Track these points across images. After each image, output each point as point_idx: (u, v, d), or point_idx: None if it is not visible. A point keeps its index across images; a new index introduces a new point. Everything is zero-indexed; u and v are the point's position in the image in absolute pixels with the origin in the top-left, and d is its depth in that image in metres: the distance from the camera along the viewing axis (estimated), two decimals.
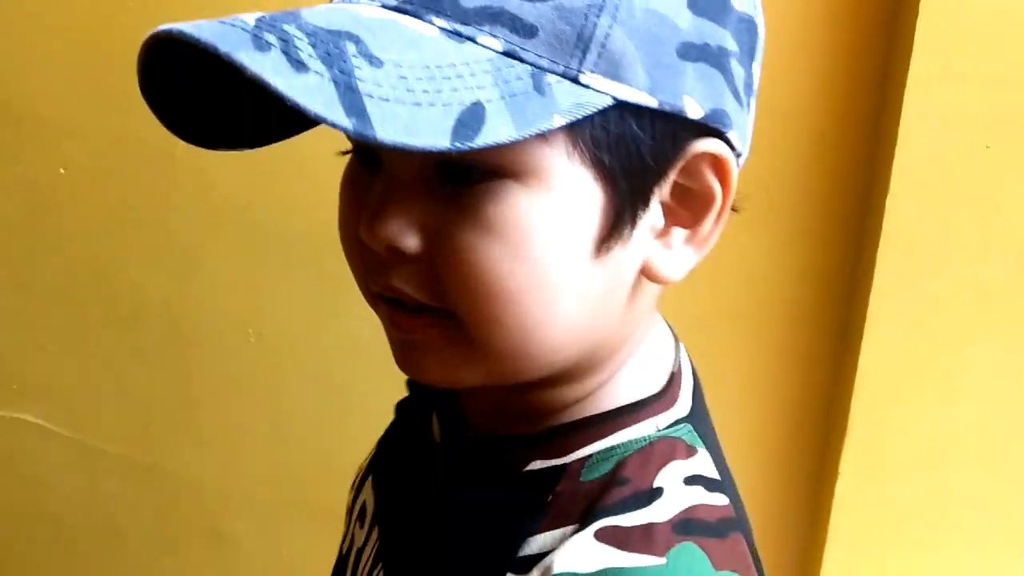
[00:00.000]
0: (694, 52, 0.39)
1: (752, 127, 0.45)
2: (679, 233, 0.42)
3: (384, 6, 0.37)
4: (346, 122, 0.32)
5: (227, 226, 1.13)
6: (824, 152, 1.02)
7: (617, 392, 0.46)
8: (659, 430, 0.44)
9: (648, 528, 0.40)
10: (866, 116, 1.00)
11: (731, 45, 0.41)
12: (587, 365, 0.45)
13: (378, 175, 0.42)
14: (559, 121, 0.36)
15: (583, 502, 0.42)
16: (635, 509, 0.41)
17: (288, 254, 1.14)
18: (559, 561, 0.40)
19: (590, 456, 0.43)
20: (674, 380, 0.47)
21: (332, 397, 1.19)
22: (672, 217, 0.42)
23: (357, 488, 0.59)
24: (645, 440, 0.44)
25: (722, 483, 0.45)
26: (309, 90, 0.32)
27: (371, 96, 0.33)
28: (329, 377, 1.17)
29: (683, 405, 0.46)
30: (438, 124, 0.34)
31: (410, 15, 0.37)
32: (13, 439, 1.34)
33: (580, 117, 0.37)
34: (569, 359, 0.43)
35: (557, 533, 0.42)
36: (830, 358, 1.11)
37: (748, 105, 0.44)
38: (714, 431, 0.48)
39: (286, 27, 0.34)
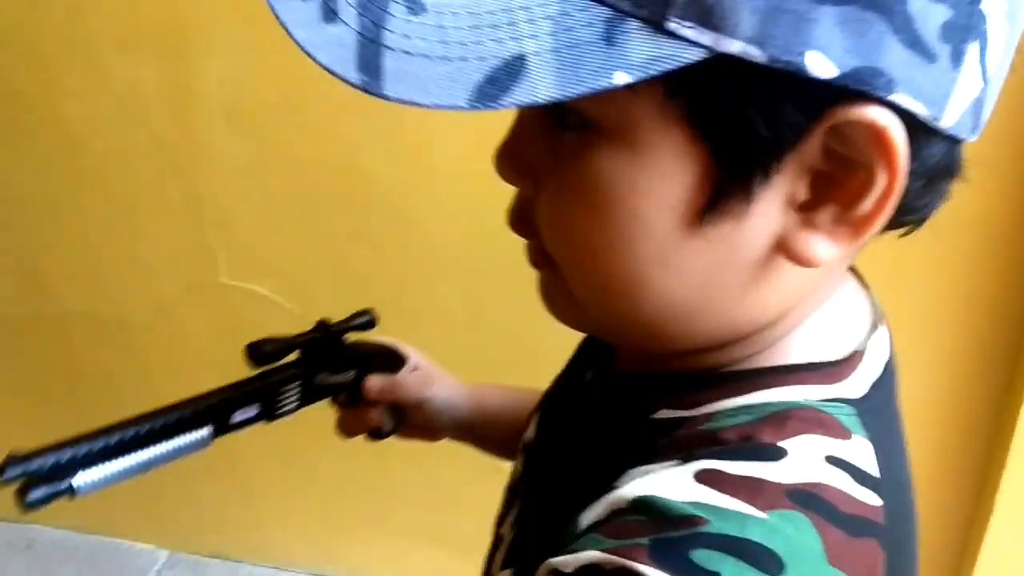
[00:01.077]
0: None
1: (962, 90, 0.34)
2: (829, 210, 0.35)
3: None
4: (354, 77, 0.31)
5: (456, 119, 1.21)
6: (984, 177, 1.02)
7: (771, 358, 0.41)
8: (808, 400, 0.39)
9: (756, 481, 0.35)
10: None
11: None
12: (721, 340, 0.41)
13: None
14: (623, 78, 0.31)
15: (692, 447, 0.38)
16: (746, 459, 0.36)
17: None
18: (643, 486, 0.36)
19: (719, 411, 0.39)
20: (852, 360, 0.41)
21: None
22: (822, 191, 0.35)
23: (527, 419, 0.59)
24: (786, 405, 0.39)
25: (879, 482, 0.38)
26: (327, 43, 0.32)
27: (392, 49, 0.32)
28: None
29: (854, 387, 0.40)
30: (461, 80, 0.31)
31: None
32: (244, 307, 1.51)
33: (657, 73, 0.31)
34: (688, 333, 0.40)
35: (652, 467, 0.38)
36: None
37: (952, 58, 0.32)
38: (897, 436, 0.43)
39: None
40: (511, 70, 0.31)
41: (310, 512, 1.73)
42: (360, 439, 0.75)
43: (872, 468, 0.38)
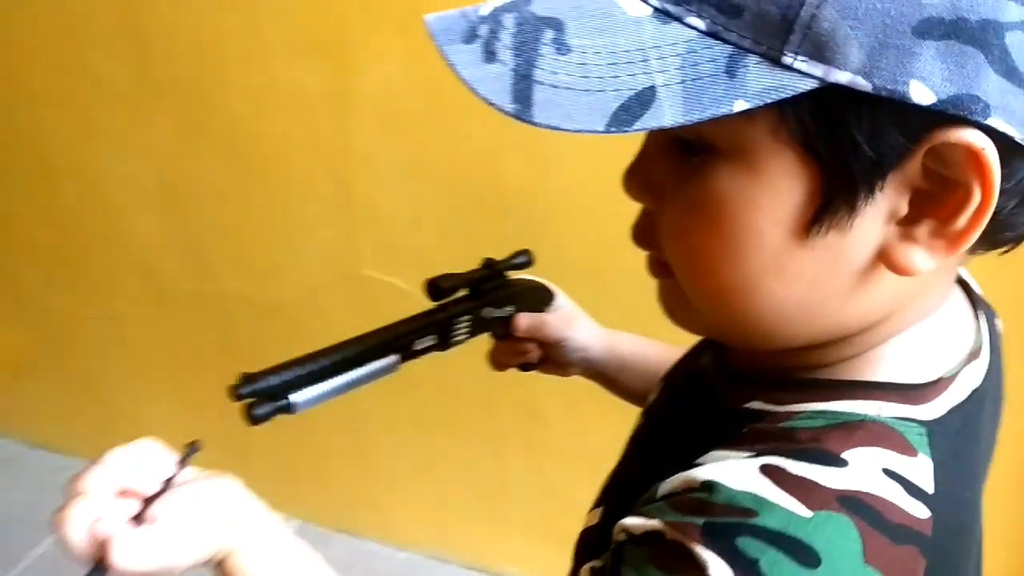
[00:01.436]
0: (940, 29, 0.34)
1: None
2: (928, 224, 0.38)
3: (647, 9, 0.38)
4: (509, 108, 0.37)
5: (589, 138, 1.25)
6: None
7: (862, 369, 0.44)
8: (880, 415, 0.42)
9: (810, 483, 0.38)
10: None
11: (1011, 15, 0.34)
12: (824, 340, 0.44)
13: None
14: (742, 106, 0.35)
15: (767, 441, 0.41)
16: (808, 462, 0.39)
17: None
18: (713, 471, 0.40)
19: (801, 412, 0.43)
20: (936, 385, 0.43)
21: None
22: (922, 207, 0.38)
23: (656, 385, 0.63)
24: (860, 417, 0.42)
25: (932, 497, 0.40)
26: (487, 79, 0.37)
27: (542, 83, 0.37)
28: None
29: (930, 410, 0.43)
30: (599, 109, 0.36)
31: None
32: (383, 298, 1.60)
33: (772, 101, 0.35)
34: (793, 335, 0.43)
35: (730, 453, 0.42)
36: None
37: None
38: (970, 459, 0.46)
39: (505, 16, 0.39)
40: (642, 99, 0.36)
41: (428, 497, 1.81)
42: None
43: (927, 484, 0.40)
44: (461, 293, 0.72)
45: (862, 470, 0.39)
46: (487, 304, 0.73)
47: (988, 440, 0.48)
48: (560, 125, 0.36)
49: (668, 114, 0.36)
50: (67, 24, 1.56)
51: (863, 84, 0.35)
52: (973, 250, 0.41)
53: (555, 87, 0.37)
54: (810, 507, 0.37)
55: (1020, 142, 0.36)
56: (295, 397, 0.60)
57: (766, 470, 0.39)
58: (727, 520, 0.38)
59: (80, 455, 2.10)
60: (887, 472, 0.40)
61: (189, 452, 0.54)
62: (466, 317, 0.72)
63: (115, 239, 1.77)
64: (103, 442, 0.53)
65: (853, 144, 0.36)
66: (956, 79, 0.34)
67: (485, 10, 0.40)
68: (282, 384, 0.60)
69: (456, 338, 0.71)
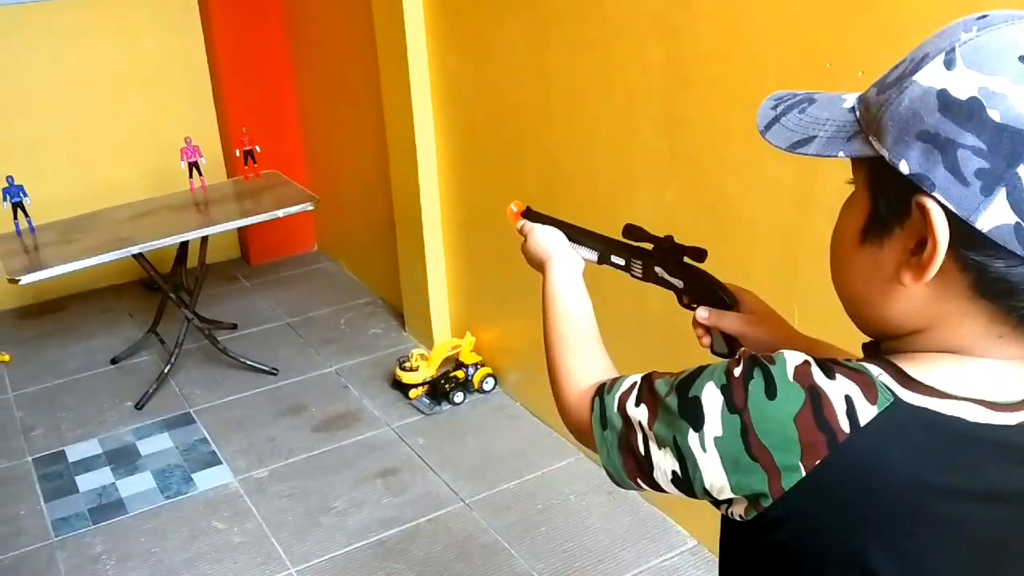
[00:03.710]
0: (926, 136, 0.58)
1: (994, 211, 0.56)
2: (918, 258, 0.61)
3: (849, 104, 0.67)
4: (761, 128, 0.68)
5: None
6: None
7: (896, 357, 0.65)
8: (877, 377, 0.63)
9: (808, 373, 0.63)
10: None
11: (968, 141, 0.56)
12: (881, 332, 0.68)
13: None
14: (841, 155, 0.63)
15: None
16: (818, 368, 0.63)
17: None
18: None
19: (855, 361, 0.65)
20: (926, 387, 0.62)
21: None
22: (919, 247, 0.61)
23: None
24: (866, 370, 0.63)
25: (858, 430, 0.61)
26: (764, 117, 0.69)
27: (780, 124, 0.68)
28: None
29: (907, 396, 0.62)
30: (788, 139, 0.66)
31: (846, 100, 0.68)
32: None
33: (858, 156, 0.63)
34: (862, 317, 0.69)
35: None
36: None
37: (982, 190, 0.56)
38: (938, 452, 0.62)
39: (800, 96, 0.69)
40: (806, 140, 0.66)
41: None
42: None
43: (863, 420, 0.61)
44: (645, 245, 1.01)
45: (835, 386, 0.62)
46: (659, 264, 1.00)
47: (999, 475, 0.64)
48: (770, 140, 0.68)
49: (809, 149, 0.65)
50: (625, 104, 2.07)
51: (885, 155, 0.61)
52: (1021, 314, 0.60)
53: (783, 127, 0.68)
54: (794, 378, 0.63)
55: (961, 216, 0.57)
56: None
57: (804, 360, 0.64)
58: (763, 355, 0.66)
59: (556, 424, 2.66)
60: (846, 397, 0.62)
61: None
62: (640, 260, 1.01)
63: None
64: None
65: (884, 190, 0.63)
66: (922, 165, 0.59)
67: (801, 95, 0.71)
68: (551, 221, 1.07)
69: (633, 272, 1.02)
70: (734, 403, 0.64)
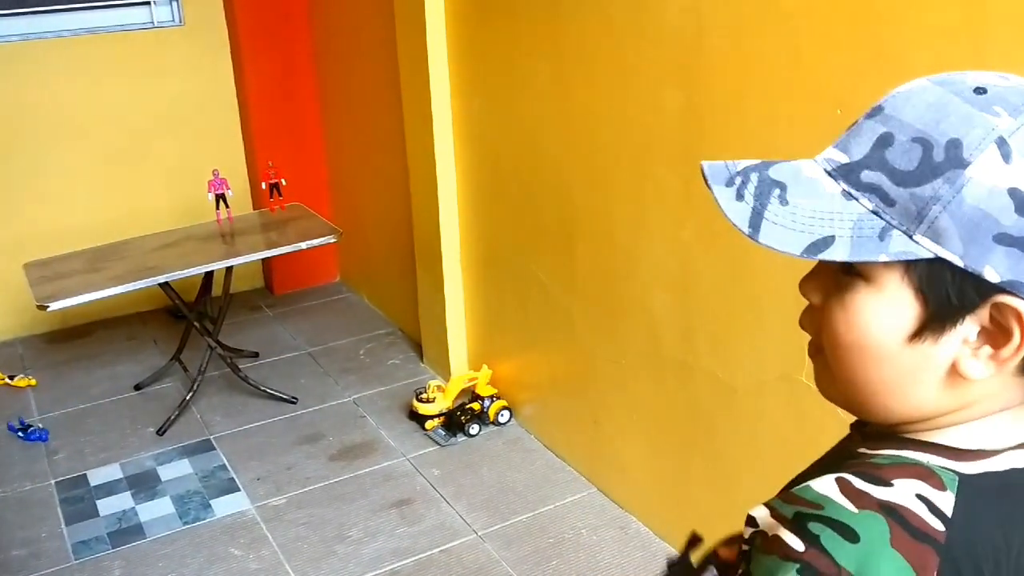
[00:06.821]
0: (1007, 240, 0.55)
1: None
2: (987, 349, 0.59)
3: (824, 169, 0.61)
4: (746, 230, 0.60)
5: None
6: None
7: (932, 436, 0.62)
8: (928, 463, 0.60)
9: (863, 493, 0.58)
10: None
11: None
12: (912, 419, 0.63)
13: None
14: (884, 258, 0.57)
15: (855, 467, 0.61)
16: (866, 481, 0.59)
17: None
18: (815, 480, 0.61)
19: (881, 454, 0.63)
20: (977, 453, 0.60)
21: None
22: (985, 337, 0.59)
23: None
24: (913, 461, 0.61)
25: (950, 521, 0.57)
26: (738, 212, 0.60)
27: (768, 220, 0.60)
28: None
29: (966, 468, 0.60)
30: (798, 242, 0.59)
31: (831, 177, 0.61)
32: (811, 410, 1.80)
33: (903, 259, 0.57)
34: (891, 410, 0.63)
35: (830, 475, 0.61)
36: None
37: None
38: (1009, 513, 0.59)
39: (751, 174, 0.61)
40: (826, 242, 0.59)
41: None
42: None
43: (948, 510, 0.58)
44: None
45: (901, 491, 0.58)
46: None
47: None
48: (774, 246, 0.59)
49: (839, 253, 0.58)
50: (642, 144, 2.12)
51: (959, 262, 0.56)
52: None
53: (775, 224, 0.60)
54: (858, 507, 0.58)
55: None
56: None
57: (838, 481, 0.60)
58: (805, 510, 0.59)
59: (570, 458, 2.69)
60: (919, 496, 0.58)
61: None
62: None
63: (637, 307, 2.27)
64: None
65: (946, 294, 0.58)
66: (1013, 271, 0.56)
67: (739, 167, 0.63)
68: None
69: None
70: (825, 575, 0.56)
